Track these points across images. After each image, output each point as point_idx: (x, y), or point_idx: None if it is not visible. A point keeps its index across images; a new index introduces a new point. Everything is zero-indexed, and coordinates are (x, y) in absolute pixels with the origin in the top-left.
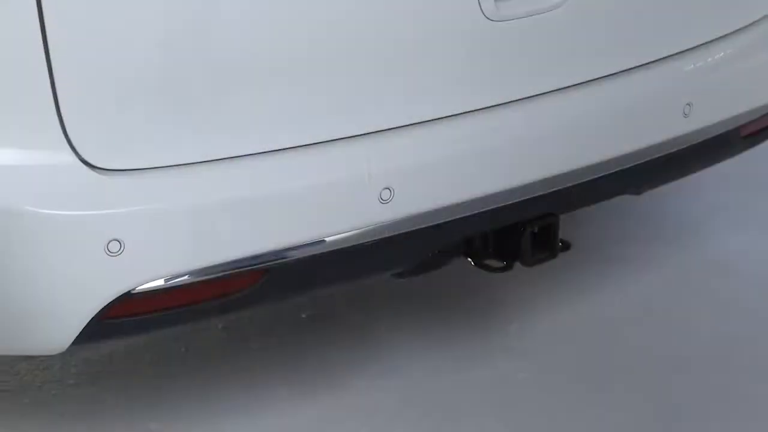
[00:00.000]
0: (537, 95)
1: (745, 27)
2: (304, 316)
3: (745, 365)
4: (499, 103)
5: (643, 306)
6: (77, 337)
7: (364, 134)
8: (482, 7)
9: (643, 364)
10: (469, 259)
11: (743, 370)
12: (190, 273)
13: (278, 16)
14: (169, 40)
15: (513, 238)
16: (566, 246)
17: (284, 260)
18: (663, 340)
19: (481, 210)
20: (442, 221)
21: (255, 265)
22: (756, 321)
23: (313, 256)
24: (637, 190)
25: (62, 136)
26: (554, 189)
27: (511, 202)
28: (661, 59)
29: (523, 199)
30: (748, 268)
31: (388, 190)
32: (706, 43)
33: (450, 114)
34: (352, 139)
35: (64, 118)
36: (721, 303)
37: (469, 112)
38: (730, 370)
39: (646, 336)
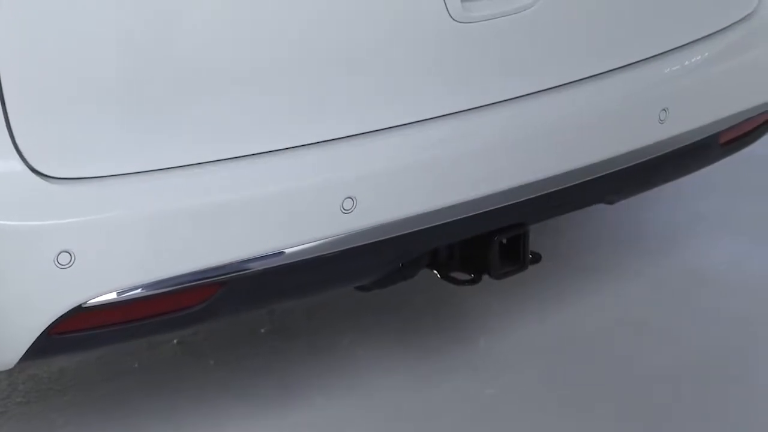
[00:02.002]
0: (505, 100)
1: (723, 29)
2: (262, 330)
3: (728, 377)
4: (466, 108)
5: (620, 318)
6: (26, 352)
7: (326, 141)
8: (448, 8)
9: (621, 378)
10: (435, 272)
11: (727, 382)
12: (144, 286)
13: (237, 21)
14: (123, 46)
15: (481, 250)
16: (537, 258)
17: (242, 273)
18: (642, 353)
19: (448, 220)
20: (406, 232)
21: (211, 277)
22: (738, 332)
23: (272, 268)
24: (611, 199)
25: (10, 143)
26: (524, 198)
27: (479, 212)
28: (635, 63)
29: (491, 208)
30: (729, 278)
31: (350, 200)
32: (683, 46)
33: (415, 120)
34: (313, 146)
35: (12, 125)
36: (702, 314)
37: (435, 118)
38: (713, 383)
39: (624, 349)
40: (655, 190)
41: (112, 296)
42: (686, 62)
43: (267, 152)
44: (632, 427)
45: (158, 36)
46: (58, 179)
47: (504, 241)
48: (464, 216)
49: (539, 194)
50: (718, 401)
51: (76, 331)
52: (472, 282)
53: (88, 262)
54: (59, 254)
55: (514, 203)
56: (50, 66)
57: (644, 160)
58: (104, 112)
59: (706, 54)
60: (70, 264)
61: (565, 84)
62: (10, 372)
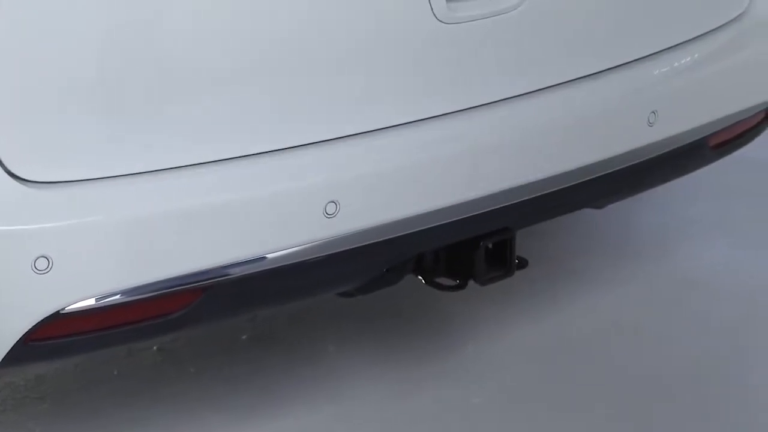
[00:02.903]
0: (491, 103)
1: (714, 30)
2: (243, 337)
3: (720, 381)
4: (451, 111)
5: (610, 323)
6: (2, 360)
7: (308, 144)
8: (433, 9)
9: (612, 385)
10: (420, 277)
11: (719, 386)
12: (123, 292)
13: (216, 24)
14: (101, 50)
15: (466, 255)
16: (523, 263)
17: (223, 278)
18: (633, 359)
19: (433, 225)
20: (390, 237)
21: (192, 283)
22: (730, 337)
23: (254, 274)
24: (600, 203)
25: None
26: (510, 202)
27: (464, 216)
28: (624, 64)
29: (477, 212)
30: (720, 283)
31: (333, 204)
32: (673, 47)
33: (399, 123)
34: (295, 149)
35: None
36: (694, 317)
37: (419, 120)
38: (706, 387)
39: (615, 355)
40: (645, 193)
41: (90, 302)
42: (676, 64)
43: (248, 155)
44: None
45: (138, 40)
46: (36, 183)
47: (490, 246)
48: (449, 220)
49: (526, 198)
50: (710, 405)
51: (54, 338)
52: (458, 288)
53: (67, 268)
54: (37, 259)
55: (500, 207)
56: (28, 69)
57: (633, 163)
58: (83, 115)
59: (696, 55)
60: (47, 269)
61: (552, 86)
62: None
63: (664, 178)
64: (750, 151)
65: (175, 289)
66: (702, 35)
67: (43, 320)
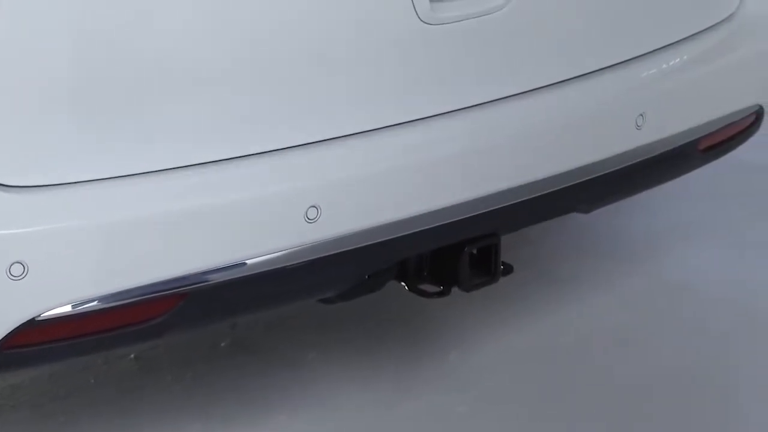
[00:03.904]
0: (476, 105)
1: (702, 32)
2: (223, 344)
3: (707, 388)
4: (435, 114)
5: (596, 330)
6: None
7: (289, 148)
8: (416, 9)
9: (599, 392)
10: (403, 284)
11: (706, 395)
12: (101, 298)
13: (195, 23)
14: (75, 53)
15: (450, 261)
16: (508, 269)
17: (202, 284)
18: (619, 366)
19: (416, 230)
20: (373, 242)
21: (171, 289)
22: (719, 344)
23: (234, 280)
24: (587, 207)
25: None
26: (495, 207)
27: (448, 221)
28: (612, 66)
29: (461, 217)
30: (708, 288)
31: (314, 209)
32: (661, 48)
33: (382, 126)
34: (276, 153)
35: None
36: (681, 325)
37: (402, 123)
38: (693, 397)
39: (601, 362)
40: (633, 198)
41: (67, 309)
42: (664, 66)
43: (228, 159)
44: None
45: (116, 44)
46: (11, 187)
47: (474, 251)
48: (433, 226)
49: (511, 203)
50: (697, 412)
51: (30, 346)
52: (442, 294)
53: (42, 274)
54: (11, 265)
55: (484, 212)
56: (2, 72)
57: (621, 167)
58: (59, 119)
59: (686, 57)
60: (23, 275)
61: (538, 88)
62: None
63: (653, 182)
64: (741, 154)
65: (153, 295)
66: (691, 36)
67: (18, 327)
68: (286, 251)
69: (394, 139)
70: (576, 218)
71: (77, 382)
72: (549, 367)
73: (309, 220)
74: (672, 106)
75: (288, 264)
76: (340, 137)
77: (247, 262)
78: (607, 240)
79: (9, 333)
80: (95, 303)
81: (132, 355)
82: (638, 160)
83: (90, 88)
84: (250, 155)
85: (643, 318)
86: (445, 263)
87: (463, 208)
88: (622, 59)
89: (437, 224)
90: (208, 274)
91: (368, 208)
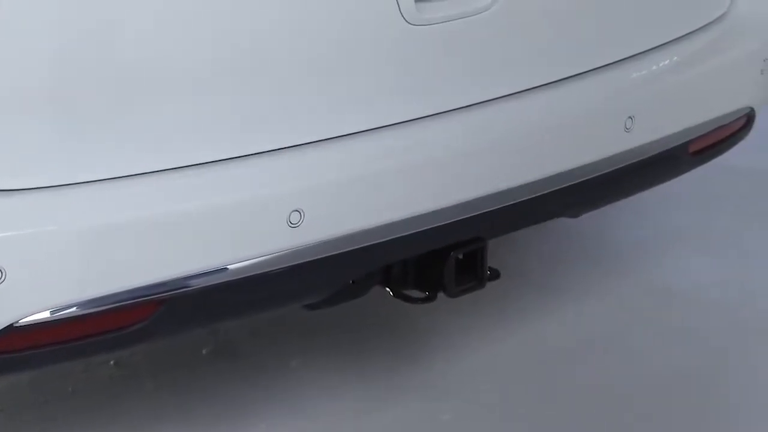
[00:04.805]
0: (461, 108)
1: (694, 31)
2: (204, 351)
3: (695, 402)
4: (419, 116)
5: (583, 338)
6: None
7: (271, 151)
8: (401, 10)
9: (585, 402)
10: (388, 289)
11: (695, 401)
12: (79, 304)
13: (176, 26)
14: (51, 56)
15: (436, 266)
16: (495, 274)
17: (183, 290)
18: (606, 376)
19: (401, 234)
20: (357, 247)
21: (151, 295)
22: (707, 354)
23: (215, 286)
24: (575, 212)
25: None
26: (482, 211)
27: (434, 226)
28: (600, 68)
29: (447, 222)
30: (698, 296)
31: (297, 213)
32: (651, 49)
33: (366, 128)
34: (258, 156)
35: None
36: (670, 334)
37: (386, 126)
38: (681, 408)
39: (588, 371)
40: (622, 202)
41: (45, 315)
42: (654, 67)
43: (209, 162)
44: None
45: (92, 47)
46: None
47: (460, 256)
48: (418, 230)
49: (498, 207)
50: (686, 417)
51: (7, 352)
52: (427, 300)
53: (20, 279)
54: None
55: (471, 217)
56: None
57: (610, 170)
58: (36, 123)
59: (676, 58)
60: (0, 281)
61: (525, 90)
62: None
63: (643, 186)
64: (732, 158)
65: (133, 301)
66: (681, 37)
67: None
68: (269, 256)
69: (379, 142)
70: (564, 223)
71: (56, 389)
72: (536, 374)
73: (292, 225)
74: (662, 108)
75: (270, 269)
76: (323, 140)
77: (228, 267)
78: (596, 245)
79: None
80: (74, 309)
81: (112, 362)
82: (627, 163)
83: (66, 92)
84: (231, 159)
85: (632, 324)
86: (431, 268)
87: (449, 213)
88: (611, 60)
89: (423, 228)
90: (189, 280)
91: (352, 213)
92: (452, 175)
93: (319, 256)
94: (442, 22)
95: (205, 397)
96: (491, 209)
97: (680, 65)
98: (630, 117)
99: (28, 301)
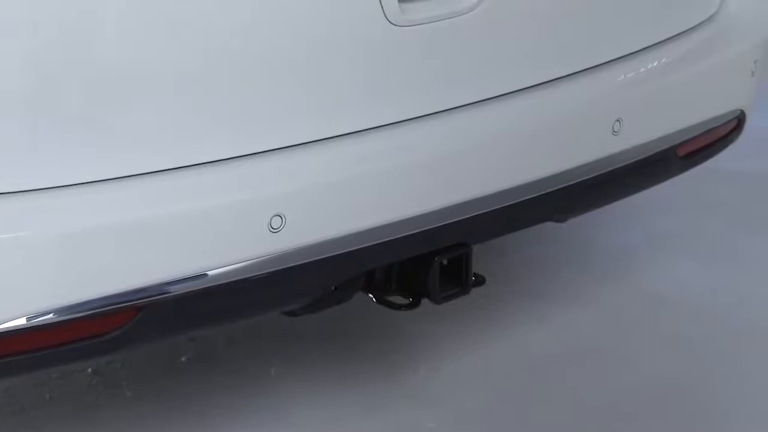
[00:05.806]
0: (446, 110)
1: (684, 32)
2: (183, 359)
3: (684, 409)
4: (403, 119)
5: (571, 345)
6: None
7: (252, 155)
8: (385, 11)
9: (572, 410)
10: (371, 296)
11: (683, 413)
12: (56, 311)
13: (157, 28)
14: (27, 57)
15: (420, 272)
16: (480, 280)
17: (161, 296)
18: (595, 383)
19: (384, 240)
20: (339, 252)
21: (128, 301)
22: (697, 360)
23: (194, 292)
24: (562, 216)
25: None
26: (467, 216)
27: (418, 231)
28: (588, 69)
29: (431, 227)
30: (688, 301)
31: (278, 218)
32: (640, 50)
33: (349, 131)
34: (238, 160)
35: None
36: (659, 340)
37: (369, 129)
38: (670, 415)
39: (575, 379)
40: (611, 206)
41: (21, 322)
42: (643, 68)
43: (189, 166)
44: None
45: (64, 48)
46: None
47: (445, 262)
48: (402, 235)
49: (483, 212)
50: (675, 423)
51: None
52: (411, 306)
53: None
54: None
55: (455, 221)
56: None
57: (597, 174)
58: (8, 125)
59: (665, 59)
60: None
61: (511, 92)
62: None
63: (631, 190)
64: (722, 162)
65: (110, 308)
66: (671, 38)
67: None
68: (249, 262)
69: (362, 145)
70: (551, 228)
71: (33, 397)
72: (522, 381)
73: (273, 230)
74: (650, 110)
75: (251, 275)
76: (304, 143)
77: (208, 273)
78: (584, 250)
79: None
80: (51, 316)
81: (89, 370)
82: (615, 167)
83: (39, 95)
84: (211, 162)
85: (621, 330)
86: (415, 274)
87: (433, 217)
88: (599, 62)
89: (406, 233)
90: (168, 286)
91: (334, 217)
92: (436, 179)
93: (300, 262)
94: (427, 23)
95: (185, 405)
96: (476, 214)
97: (669, 67)
98: (618, 120)
99: (4, 308)
